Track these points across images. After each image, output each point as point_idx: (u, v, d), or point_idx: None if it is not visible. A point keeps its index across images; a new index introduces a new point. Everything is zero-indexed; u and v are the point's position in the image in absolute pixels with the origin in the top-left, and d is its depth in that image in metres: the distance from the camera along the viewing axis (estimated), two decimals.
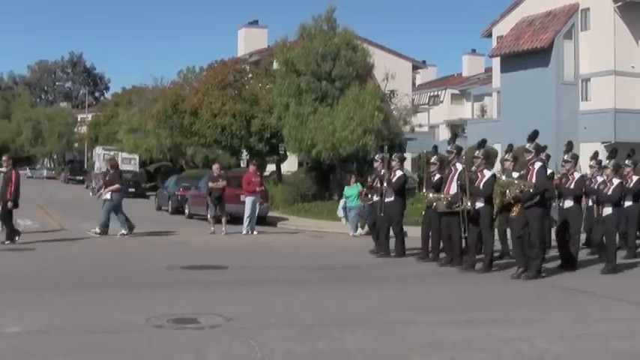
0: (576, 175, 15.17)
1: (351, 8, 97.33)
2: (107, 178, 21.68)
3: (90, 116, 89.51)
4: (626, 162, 16.70)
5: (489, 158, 15.33)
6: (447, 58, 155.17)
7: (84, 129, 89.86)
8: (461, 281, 13.14)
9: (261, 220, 24.85)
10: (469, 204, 13.86)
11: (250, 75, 42.41)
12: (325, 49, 32.82)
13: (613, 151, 15.71)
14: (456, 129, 13.30)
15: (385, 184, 16.54)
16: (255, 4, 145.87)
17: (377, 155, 18.18)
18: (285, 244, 20.59)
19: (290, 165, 42.47)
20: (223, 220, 22.60)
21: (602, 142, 34.98)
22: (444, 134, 63.17)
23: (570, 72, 38.70)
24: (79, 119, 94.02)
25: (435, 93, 66.45)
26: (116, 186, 20.81)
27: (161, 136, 47.42)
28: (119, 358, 7.46)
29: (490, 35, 45.15)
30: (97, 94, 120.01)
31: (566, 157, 15.09)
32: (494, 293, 12.14)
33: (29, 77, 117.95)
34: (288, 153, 38.59)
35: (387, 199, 16.53)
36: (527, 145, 13.39)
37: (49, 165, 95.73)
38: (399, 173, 16.57)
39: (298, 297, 11.27)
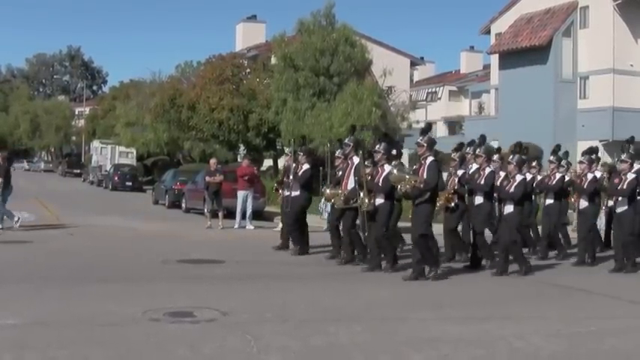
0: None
1: (349, 4, 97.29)
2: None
3: (87, 110, 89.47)
4: (551, 158, 16.74)
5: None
6: (445, 54, 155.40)
7: (81, 122, 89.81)
8: (455, 278, 13.13)
9: (258, 215, 24.84)
10: (367, 200, 13.34)
11: (248, 70, 42.44)
12: (323, 44, 32.83)
13: (517, 146, 14.41)
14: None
15: (292, 178, 16.09)
16: None
17: (288, 149, 17.69)
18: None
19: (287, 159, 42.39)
20: (220, 214, 22.59)
21: (600, 141, 35.03)
22: (442, 131, 63.23)
23: (569, 70, 38.74)
24: (76, 113, 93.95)
25: (433, 89, 66.41)
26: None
27: (158, 130, 47.38)
28: (115, 351, 7.45)
29: (489, 32, 45.18)
30: (94, 87, 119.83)
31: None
32: (489, 290, 12.14)
33: (27, 70, 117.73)
34: (285, 148, 38.60)
35: (293, 193, 16.05)
36: (420, 139, 12.68)
37: (46, 158, 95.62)
38: (305, 167, 15.96)
39: (294, 292, 11.27)
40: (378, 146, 13.62)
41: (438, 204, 13.88)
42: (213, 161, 24.23)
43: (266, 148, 39.74)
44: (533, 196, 17.00)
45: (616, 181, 14.49)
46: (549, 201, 16.41)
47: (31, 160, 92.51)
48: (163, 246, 17.25)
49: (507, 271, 13.35)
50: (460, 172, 14.76)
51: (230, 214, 23.02)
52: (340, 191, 14.16)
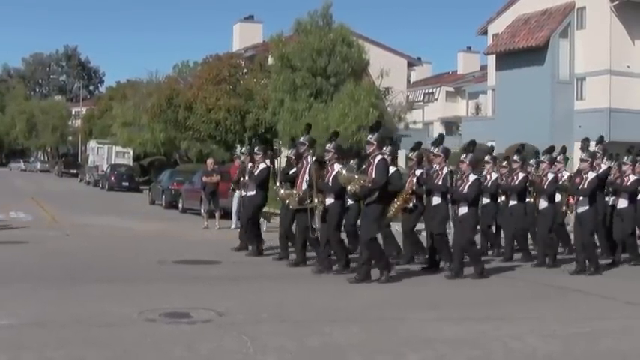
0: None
1: (346, 4, 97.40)
2: None
3: (84, 110, 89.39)
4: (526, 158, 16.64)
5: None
6: (443, 55, 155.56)
7: (78, 122, 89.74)
8: (451, 279, 13.14)
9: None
10: (316, 201, 13.13)
11: (245, 70, 42.43)
12: (321, 44, 32.80)
13: (470, 145, 14.01)
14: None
15: (248, 178, 15.84)
16: None
17: (242, 149, 17.35)
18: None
19: (284, 160, 42.42)
20: (217, 215, 22.57)
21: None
22: (439, 131, 63.18)
23: (565, 71, 38.76)
24: (73, 113, 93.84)
25: (430, 90, 66.40)
26: None
27: (155, 130, 47.36)
28: (112, 352, 7.45)
29: (486, 33, 45.18)
30: (91, 87, 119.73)
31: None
32: (485, 291, 12.14)
33: (24, 70, 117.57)
34: (282, 148, 38.59)
35: (248, 193, 15.81)
36: (369, 137, 12.32)
37: (43, 158, 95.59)
38: (262, 166, 15.64)
39: (290, 292, 11.28)
40: (328, 145, 13.28)
41: (396, 204, 13.84)
42: (210, 161, 24.20)
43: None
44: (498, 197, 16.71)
45: (577, 180, 14.19)
46: (513, 202, 16.09)
47: (27, 160, 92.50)
48: (160, 246, 17.24)
49: (463, 273, 13.01)
50: (418, 172, 14.53)
51: (227, 215, 23.01)
52: (295, 192, 13.81)
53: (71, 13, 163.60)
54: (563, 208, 15.34)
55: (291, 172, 14.72)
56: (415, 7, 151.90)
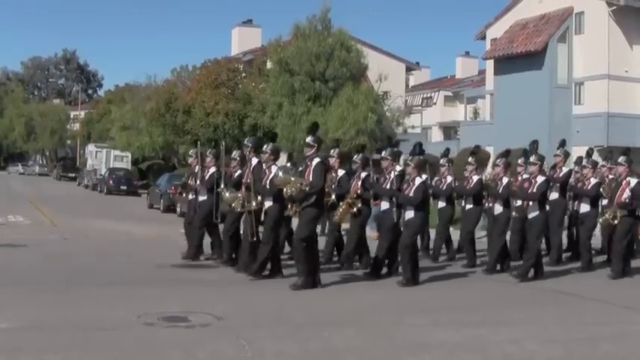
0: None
1: (345, 9, 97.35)
2: None
3: (83, 113, 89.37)
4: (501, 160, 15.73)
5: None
6: (441, 59, 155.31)
7: (77, 126, 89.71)
8: (449, 283, 13.14)
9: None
10: (254, 204, 12.87)
11: (244, 74, 42.41)
12: (319, 49, 32.83)
13: (416, 146, 13.86)
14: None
15: (198, 182, 15.45)
16: (250, 3, 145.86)
17: (191, 151, 16.48)
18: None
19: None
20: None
21: (595, 146, 35.02)
22: (437, 136, 63.28)
23: (564, 75, 38.77)
24: (71, 116, 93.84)
25: (429, 95, 66.47)
26: None
27: (154, 134, 47.37)
28: (109, 356, 7.45)
29: (484, 37, 45.19)
30: (90, 91, 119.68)
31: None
32: (483, 295, 12.15)
33: (22, 73, 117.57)
34: (280, 153, 38.58)
35: (200, 198, 15.41)
36: (308, 139, 12.17)
37: (41, 162, 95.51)
38: (212, 170, 15.20)
39: (288, 296, 11.27)
40: (265, 146, 13.04)
41: (340, 209, 13.76)
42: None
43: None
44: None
45: (526, 185, 13.81)
46: (469, 206, 15.69)
47: (25, 163, 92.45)
48: (158, 250, 17.24)
49: (415, 279, 12.58)
50: (363, 175, 14.29)
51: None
52: (240, 195, 13.51)
53: (70, 17, 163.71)
54: (513, 213, 14.59)
55: (236, 174, 14.40)
56: (414, 11, 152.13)
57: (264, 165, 12.97)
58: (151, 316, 9.03)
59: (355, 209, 14.03)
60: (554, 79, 38.51)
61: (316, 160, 11.87)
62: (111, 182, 48.24)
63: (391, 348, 8.11)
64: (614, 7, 36.42)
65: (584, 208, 15.45)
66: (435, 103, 65.35)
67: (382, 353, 7.88)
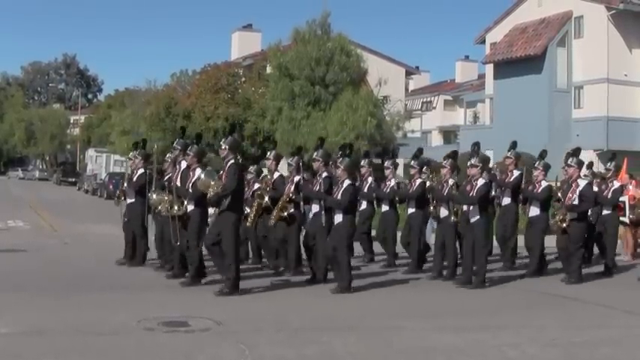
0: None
1: (345, 13, 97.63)
2: None
3: (83, 118, 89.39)
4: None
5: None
6: (441, 64, 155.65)
7: (76, 131, 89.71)
8: (448, 288, 13.13)
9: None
10: (176, 207, 12.54)
11: (243, 79, 42.44)
12: (319, 53, 32.89)
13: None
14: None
15: (126, 185, 15.04)
16: (250, 7, 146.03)
17: (131, 153, 15.74)
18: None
19: (282, 169, 42.42)
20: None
21: (595, 150, 35.10)
22: (437, 140, 63.32)
23: (563, 79, 38.86)
24: (71, 121, 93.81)
25: (428, 99, 66.49)
26: None
27: (154, 138, 47.34)
28: None
29: (483, 42, 45.29)
30: (90, 95, 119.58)
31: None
32: (483, 300, 12.13)
33: (22, 78, 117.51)
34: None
35: (128, 201, 14.90)
36: (222, 142, 11.85)
37: (41, 166, 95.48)
38: (140, 172, 14.72)
39: (288, 301, 11.27)
40: (189, 148, 12.74)
41: (274, 213, 13.58)
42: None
43: (261, 158, 39.69)
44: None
45: (467, 188, 13.22)
46: (411, 210, 15.25)
47: (25, 168, 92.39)
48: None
49: (349, 287, 12.05)
50: (296, 179, 13.99)
51: None
52: (167, 197, 13.12)
53: (70, 22, 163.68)
54: (452, 218, 13.92)
55: (165, 177, 14.07)
56: (413, 16, 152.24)
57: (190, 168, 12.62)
58: (151, 321, 9.03)
59: (286, 213, 13.69)
60: (553, 83, 38.60)
61: (230, 162, 11.60)
62: (111, 187, 48.10)
63: (391, 353, 8.12)
64: (614, 12, 36.51)
65: (534, 211, 14.79)
66: (434, 108, 65.37)
67: (382, 358, 7.88)
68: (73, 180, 68.47)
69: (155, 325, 8.91)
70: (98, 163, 61.42)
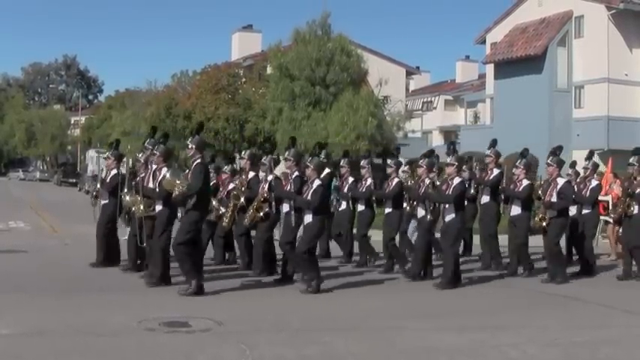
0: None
1: (345, 13, 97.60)
2: None
3: (83, 119, 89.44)
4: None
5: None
6: (441, 64, 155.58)
7: (77, 131, 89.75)
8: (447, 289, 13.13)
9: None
10: (141, 207, 12.45)
11: (244, 79, 42.48)
12: (319, 54, 32.90)
13: (318, 145, 13.53)
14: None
15: (100, 185, 14.94)
16: (250, 8, 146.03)
17: (107, 153, 15.50)
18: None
19: (281, 169, 42.44)
20: None
21: (595, 150, 35.02)
22: (437, 140, 63.29)
23: (564, 79, 38.80)
24: (72, 122, 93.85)
25: (429, 99, 66.47)
26: None
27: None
28: None
29: (484, 42, 45.23)
30: (90, 96, 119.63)
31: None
32: (483, 300, 12.13)
33: (23, 79, 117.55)
34: (280, 158, 38.62)
35: (102, 202, 14.77)
36: (189, 141, 11.86)
37: (42, 167, 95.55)
38: (113, 172, 14.60)
39: (289, 301, 11.28)
40: (155, 148, 12.59)
41: (248, 212, 13.55)
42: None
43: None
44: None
45: (444, 187, 13.20)
46: (388, 209, 15.07)
47: (26, 169, 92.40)
48: None
49: (319, 287, 12.02)
50: (270, 178, 13.92)
51: None
52: (139, 198, 12.92)
53: (70, 23, 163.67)
54: (428, 217, 13.72)
55: (138, 177, 13.74)
56: (414, 16, 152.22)
57: (156, 167, 12.52)
58: (152, 322, 9.03)
59: (262, 213, 13.66)
60: (554, 83, 38.55)
61: (197, 161, 11.58)
62: None
63: (393, 353, 8.11)
64: (614, 11, 36.46)
65: (515, 210, 14.60)
66: (435, 108, 65.36)
67: (384, 358, 7.88)
68: (74, 181, 68.45)
69: (156, 325, 8.91)
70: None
